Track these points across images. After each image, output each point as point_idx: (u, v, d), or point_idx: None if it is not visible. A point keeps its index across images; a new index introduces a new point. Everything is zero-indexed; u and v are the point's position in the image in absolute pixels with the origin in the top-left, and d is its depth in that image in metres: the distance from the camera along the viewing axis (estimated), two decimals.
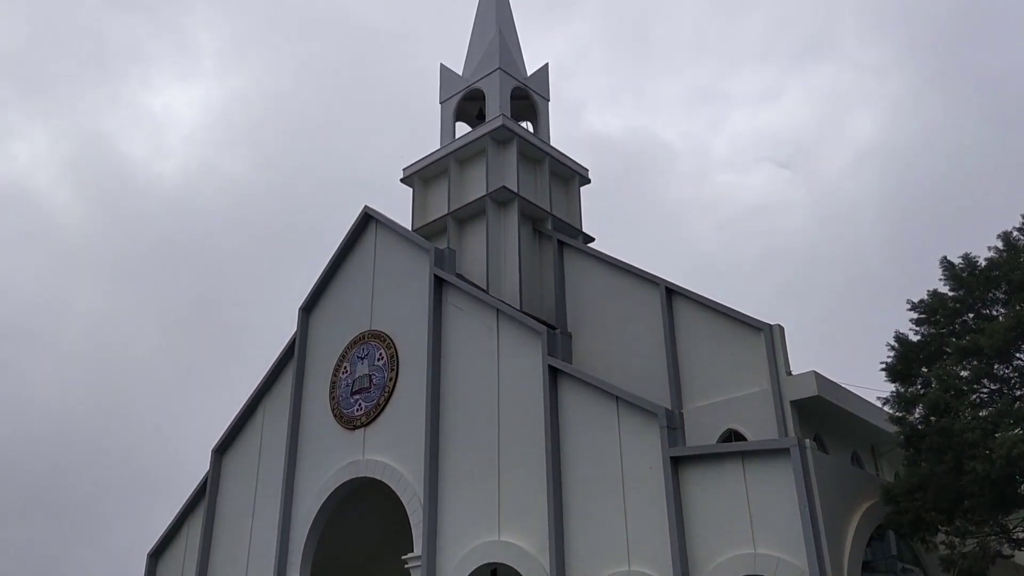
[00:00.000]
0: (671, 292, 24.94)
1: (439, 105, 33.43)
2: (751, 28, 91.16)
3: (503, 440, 22.07)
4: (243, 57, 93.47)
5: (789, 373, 21.76)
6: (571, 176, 31.60)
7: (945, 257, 19.60)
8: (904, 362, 19.25)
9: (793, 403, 21.40)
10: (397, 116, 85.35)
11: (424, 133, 54.13)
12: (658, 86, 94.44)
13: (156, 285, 76.28)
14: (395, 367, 25.25)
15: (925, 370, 19.00)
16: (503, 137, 29.97)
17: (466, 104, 33.20)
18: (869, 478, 20.59)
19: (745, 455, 18.37)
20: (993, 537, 18.21)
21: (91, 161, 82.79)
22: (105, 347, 70.64)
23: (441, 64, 33.93)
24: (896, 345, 19.48)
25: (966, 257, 19.35)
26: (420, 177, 31.54)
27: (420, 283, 25.62)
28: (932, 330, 19.33)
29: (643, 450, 19.56)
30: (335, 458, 25.57)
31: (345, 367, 26.59)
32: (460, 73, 33.51)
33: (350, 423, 25.65)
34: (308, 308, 28.71)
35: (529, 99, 32.90)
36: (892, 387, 19.32)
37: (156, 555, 29.88)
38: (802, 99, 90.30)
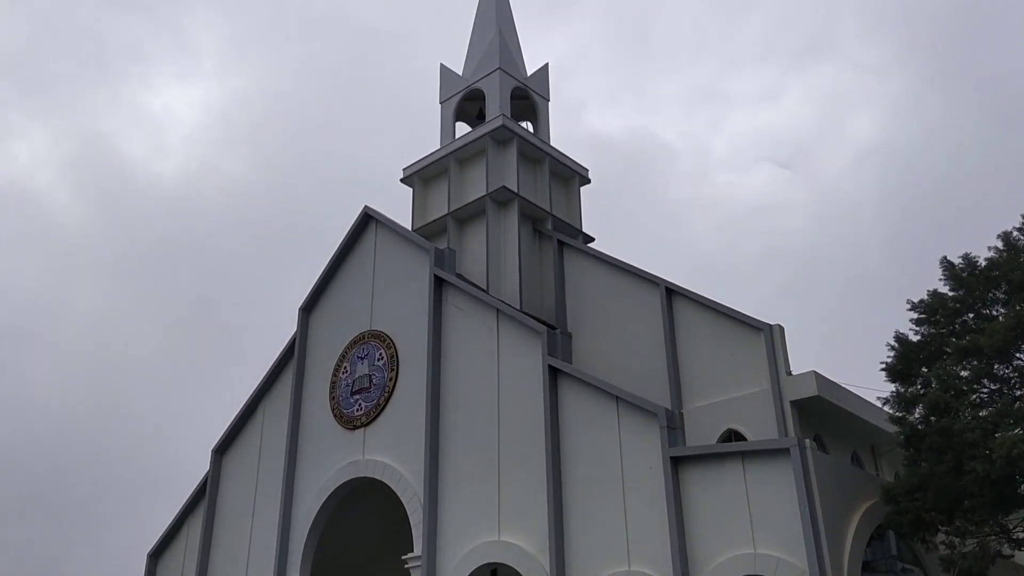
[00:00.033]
0: (671, 292, 24.94)
1: (439, 105, 33.43)
2: (751, 28, 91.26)
3: (503, 440, 22.07)
4: (243, 57, 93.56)
5: (789, 373, 21.76)
6: (571, 176, 31.60)
7: (945, 257, 19.62)
8: (904, 362, 19.25)
9: (793, 403, 21.41)
10: (397, 116, 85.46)
11: (424, 133, 54.15)
12: (658, 86, 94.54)
13: (156, 285, 76.38)
14: (395, 367, 25.25)
15: (925, 370, 19.00)
16: (503, 137, 29.97)
17: (466, 104, 33.20)
18: (869, 478, 20.59)
19: (745, 455, 18.37)
20: (993, 537, 18.21)
21: (91, 161, 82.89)
22: (105, 347, 70.72)
23: (441, 64, 33.96)
24: (896, 345, 19.48)
25: (966, 257, 19.35)
26: (420, 177, 31.54)
27: (420, 283, 25.62)
28: (932, 330, 19.33)
29: (643, 450, 19.55)
30: (335, 458, 25.57)
31: (345, 367, 26.59)
32: (460, 73, 33.51)
33: (350, 423, 25.65)
34: (308, 308, 28.71)
35: (529, 99, 32.90)
36: (892, 387, 19.33)
37: (156, 555, 29.88)
38: (802, 99, 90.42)
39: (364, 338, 26.52)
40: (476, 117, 33.00)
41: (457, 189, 30.14)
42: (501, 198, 28.99)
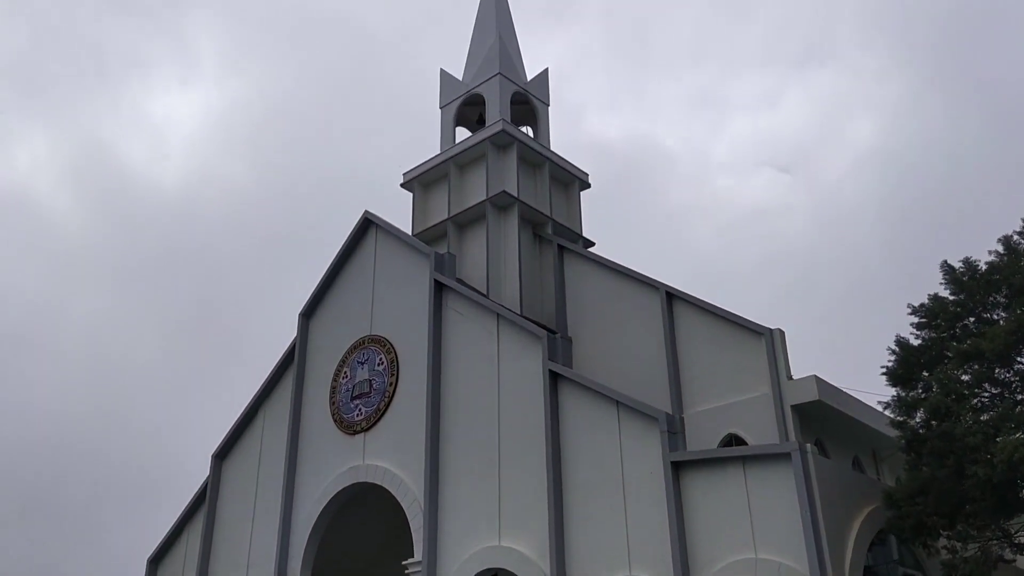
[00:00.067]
0: (671, 296, 24.92)
1: (439, 110, 33.45)
2: (751, 33, 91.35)
3: (503, 445, 22.04)
4: (243, 62, 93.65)
5: (790, 377, 21.74)
6: (571, 181, 31.61)
7: (945, 261, 19.58)
8: (905, 366, 19.21)
9: (794, 407, 21.40)
10: (397, 121, 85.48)
11: (424, 138, 54.19)
12: (658, 91, 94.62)
13: (156, 290, 76.36)
14: (395, 372, 25.23)
15: (926, 374, 18.95)
16: (503, 142, 29.97)
17: (466, 109, 33.22)
18: (870, 482, 20.55)
19: (746, 459, 18.34)
20: (995, 542, 18.15)
21: (91, 166, 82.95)
22: (105, 352, 70.72)
23: (441, 69, 33.98)
24: (897, 349, 19.43)
25: (967, 261, 19.32)
26: (420, 182, 31.54)
27: (420, 288, 25.60)
28: (933, 334, 19.28)
29: (644, 455, 19.52)
30: (335, 463, 25.53)
31: (345, 372, 26.56)
32: (460, 78, 33.53)
33: (350, 428, 25.62)
34: (308, 313, 28.69)
35: (529, 104, 32.92)
36: (893, 391, 19.26)
37: (156, 561, 29.81)
38: (802, 103, 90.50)
39: (364, 343, 26.50)
40: (476, 122, 33.01)
41: (457, 194, 30.14)
42: (501, 203, 28.99)
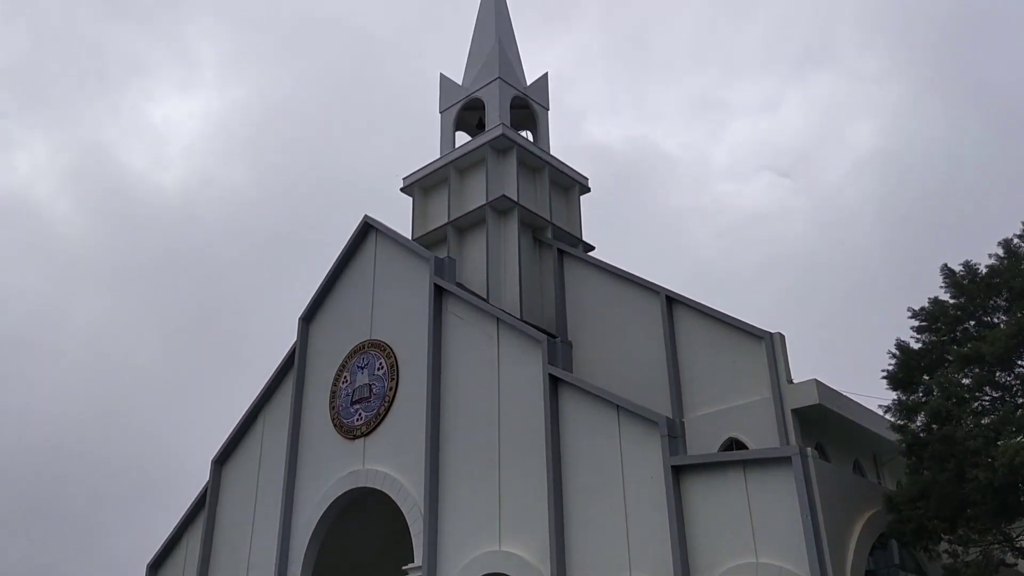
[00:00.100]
0: (671, 300, 24.91)
1: (439, 114, 33.46)
2: (750, 37, 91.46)
3: (504, 449, 22.01)
4: (243, 67, 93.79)
5: (790, 381, 21.72)
6: (571, 185, 31.61)
7: (946, 264, 19.57)
8: (905, 370, 19.19)
9: (794, 411, 21.37)
10: (397, 123, 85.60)
11: (424, 141, 54.29)
12: (658, 95, 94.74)
13: (156, 294, 76.40)
14: (395, 376, 25.20)
15: (927, 378, 18.93)
16: (503, 146, 29.98)
17: (466, 113, 33.23)
18: (871, 486, 20.51)
19: (746, 464, 18.31)
20: (996, 546, 18.13)
21: (91, 172, 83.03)
22: (105, 356, 70.73)
23: (441, 74, 34.01)
24: (897, 353, 19.42)
25: (967, 264, 19.31)
26: (420, 186, 31.54)
27: (420, 292, 25.59)
28: (933, 337, 19.26)
29: (644, 459, 19.49)
30: (335, 468, 25.50)
31: (345, 377, 26.54)
32: (460, 82, 33.55)
33: (350, 433, 25.58)
34: (308, 318, 28.67)
35: (529, 108, 32.93)
36: (893, 395, 19.26)
37: (156, 566, 29.76)
38: (802, 107, 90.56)
39: (364, 347, 26.48)
40: (476, 126, 33.02)
41: (457, 198, 30.13)
42: (501, 207, 28.98)
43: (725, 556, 17.80)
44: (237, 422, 29.14)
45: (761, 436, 21.44)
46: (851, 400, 22.33)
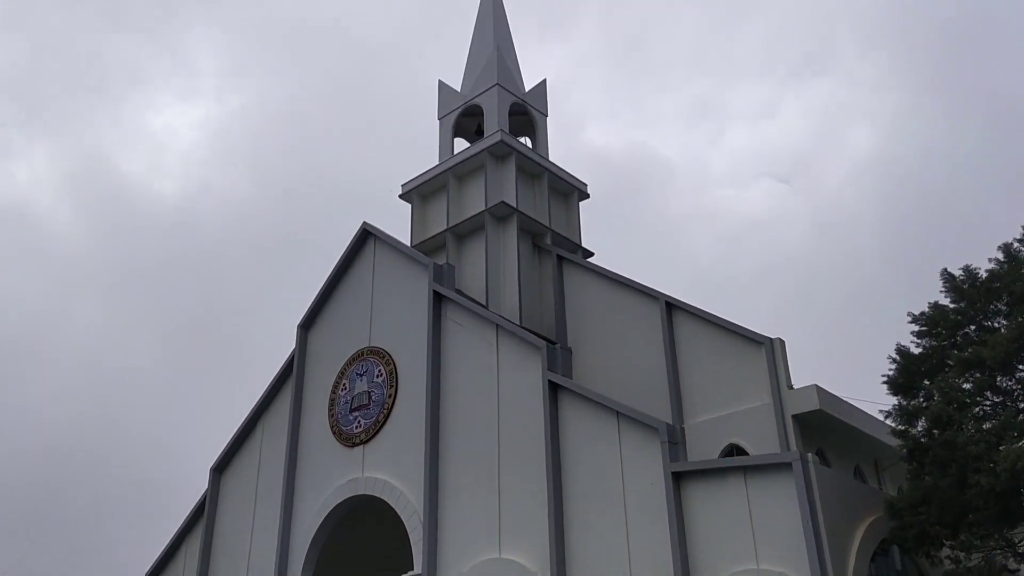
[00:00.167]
0: (671, 306, 24.87)
1: (437, 121, 33.45)
2: (749, 43, 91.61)
3: (503, 456, 21.94)
4: (242, 76, 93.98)
5: (790, 387, 21.68)
6: (570, 191, 31.59)
7: (946, 269, 19.56)
8: (906, 375, 19.15)
9: (795, 417, 21.32)
10: (396, 130, 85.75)
11: (422, 147, 54.24)
12: (657, 101, 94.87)
13: (155, 301, 76.41)
14: (394, 384, 25.14)
15: (927, 383, 18.90)
16: (502, 152, 29.97)
17: (465, 120, 33.23)
18: (872, 492, 20.46)
19: (747, 470, 18.25)
20: (998, 551, 18.06)
21: (91, 179, 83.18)
22: (105, 362, 70.78)
23: (439, 80, 34.02)
24: (898, 358, 19.39)
25: (967, 269, 19.29)
26: (419, 193, 31.52)
27: (419, 299, 25.54)
28: (934, 342, 19.24)
29: (644, 465, 19.42)
30: (334, 476, 25.42)
31: (344, 384, 26.47)
32: (458, 89, 33.56)
33: (349, 440, 25.51)
34: (307, 325, 28.62)
35: (527, 114, 32.93)
36: (894, 400, 19.23)
37: (154, 574, 29.63)
38: (800, 113, 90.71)
39: (363, 355, 26.41)
40: (475, 133, 33.02)
41: (456, 204, 30.11)
42: (500, 213, 28.95)
43: (726, 562, 17.73)
44: (236, 430, 29.05)
45: (761, 442, 21.38)
46: (852, 405, 22.27)
